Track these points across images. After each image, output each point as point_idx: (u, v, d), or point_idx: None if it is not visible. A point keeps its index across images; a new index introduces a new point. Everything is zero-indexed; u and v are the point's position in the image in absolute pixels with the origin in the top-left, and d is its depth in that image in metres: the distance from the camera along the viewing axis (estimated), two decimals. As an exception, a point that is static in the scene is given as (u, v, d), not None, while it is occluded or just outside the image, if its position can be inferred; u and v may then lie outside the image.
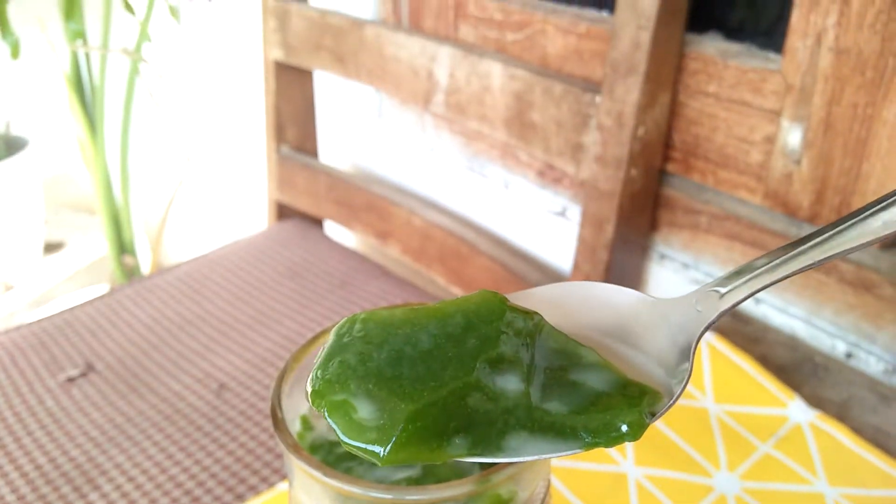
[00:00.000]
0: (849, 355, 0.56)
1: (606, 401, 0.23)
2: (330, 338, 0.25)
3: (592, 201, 0.61)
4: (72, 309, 0.82)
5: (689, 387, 0.48)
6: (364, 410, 0.22)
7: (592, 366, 0.25)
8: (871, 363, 0.55)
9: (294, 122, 0.97)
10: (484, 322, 0.24)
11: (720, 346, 0.50)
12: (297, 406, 0.28)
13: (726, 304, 0.25)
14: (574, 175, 0.62)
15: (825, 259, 0.23)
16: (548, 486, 0.29)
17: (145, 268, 1.50)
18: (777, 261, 0.24)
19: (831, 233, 0.23)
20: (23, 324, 0.80)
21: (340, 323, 0.26)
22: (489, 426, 0.22)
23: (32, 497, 0.59)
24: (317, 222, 1.02)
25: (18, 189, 1.36)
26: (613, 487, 0.41)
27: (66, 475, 0.61)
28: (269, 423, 0.66)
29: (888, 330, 0.53)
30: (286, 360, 0.27)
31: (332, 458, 0.25)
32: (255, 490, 0.60)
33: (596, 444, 0.23)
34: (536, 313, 0.26)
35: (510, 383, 0.23)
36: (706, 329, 0.25)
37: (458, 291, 0.80)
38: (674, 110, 0.60)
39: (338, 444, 0.25)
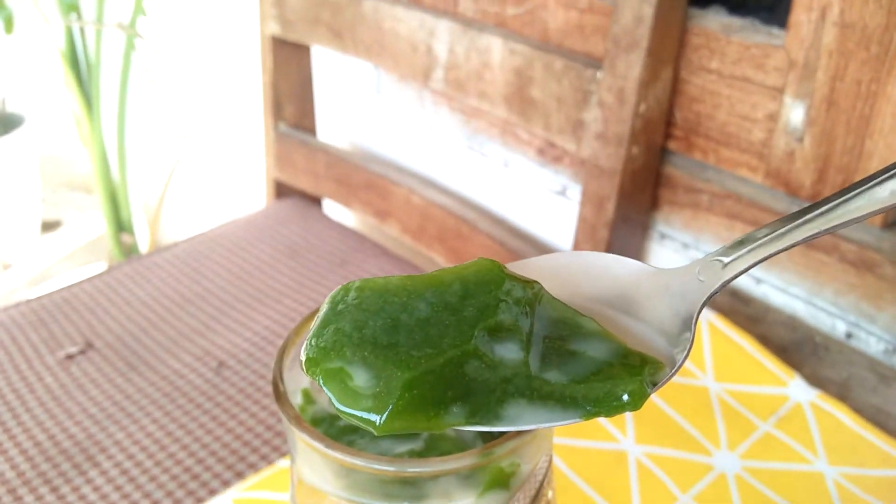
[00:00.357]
0: (849, 335, 0.56)
1: (607, 370, 0.23)
2: (324, 306, 0.25)
3: (593, 179, 0.60)
4: (70, 286, 0.82)
5: (689, 365, 0.48)
6: (360, 378, 0.22)
7: (593, 335, 0.24)
8: (872, 343, 0.55)
9: (292, 99, 0.96)
10: (482, 290, 0.24)
11: (720, 325, 0.50)
12: (298, 380, 0.28)
13: (729, 273, 0.24)
14: (575, 153, 0.62)
15: (830, 229, 0.22)
16: (549, 461, 0.28)
17: (143, 246, 1.50)
18: (780, 230, 0.23)
19: (836, 202, 0.22)
20: (21, 301, 0.80)
21: (335, 291, 0.25)
22: (487, 395, 0.22)
23: (32, 474, 0.59)
24: (315, 201, 1.01)
25: (15, 167, 1.35)
26: (614, 465, 0.41)
27: (65, 452, 0.61)
28: (268, 401, 0.66)
29: (888, 310, 0.53)
30: (287, 334, 0.27)
31: (334, 430, 0.25)
32: (254, 468, 0.60)
33: (596, 414, 0.22)
34: (536, 282, 0.25)
35: (509, 352, 0.23)
36: (709, 298, 0.25)
37: (457, 270, 0.80)
38: (675, 87, 0.59)
39: (340, 417, 0.25)
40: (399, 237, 0.86)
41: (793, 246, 0.23)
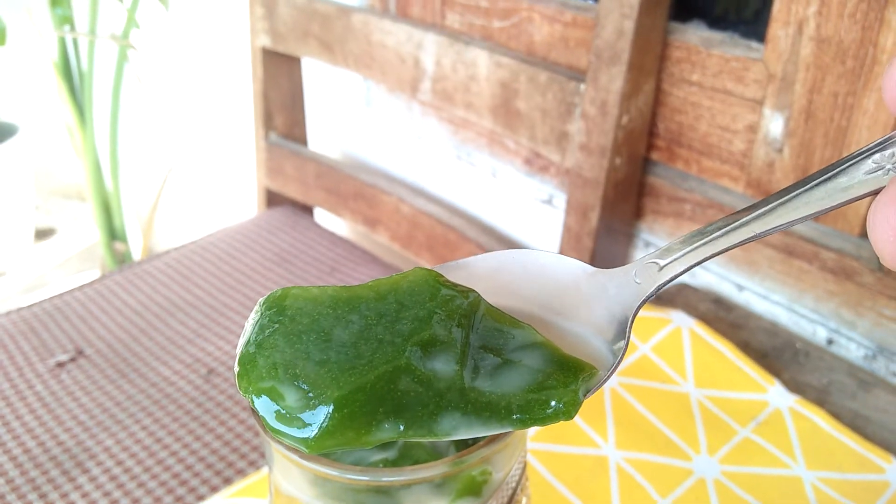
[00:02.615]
0: (830, 341, 0.57)
1: (542, 379, 0.23)
2: (256, 313, 0.24)
3: (577, 189, 0.61)
4: (62, 294, 0.83)
5: (670, 372, 0.48)
6: (291, 398, 0.22)
7: (529, 344, 0.24)
8: (852, 349, 0.56)
9: (282, 110, 0.97)
10: (417, 302, 0.24)
11: (701, 332, 0.50)
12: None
13: (665, 276, 0.24)
14: (560, 163, 0.63)
15: (770, 230, 0.22)
16: (523, 468, 0.29)
17: (136, 254, 1.50)
18: (719, 232, 0.23)
19: (777, 203, 0.21)
20: (13, 309, 0.80)
21: (267, 297, 0.25)
22: (421, 409, 0.22)
23: (21, 480, 0.59)
24: (306, 209, 1.02)
25: (9, 176, 1.36)
26: (594, 471, 0.42)
27: (55, 459, 0.62)
28: (257, 409, 0.67)
29: (868, 317, 0.54)
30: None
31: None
32: (243, 473, 0.61)
33: (530, 423, 0.22)
34: (472, 291, 0.25)
35: (443, 364, 0.23)
36: (644, 302, 0.25)
37: (446, 278, 0.81)
38: (658, 99, 0.60)
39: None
40: (388, 245, 0.87)
41: (731, 248, 0.23)
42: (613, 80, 0.56)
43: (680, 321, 0.51)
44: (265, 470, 0.43)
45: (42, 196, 1.57)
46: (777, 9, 0.51)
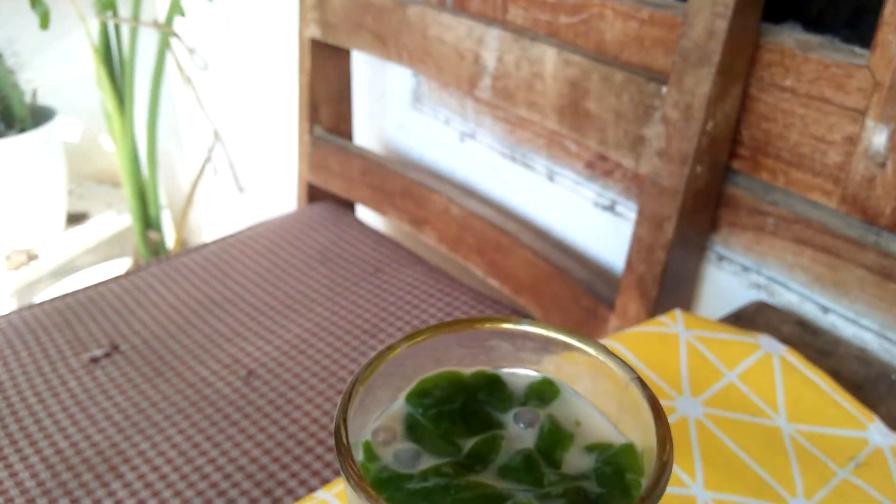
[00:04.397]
0: (922, 373, 0.52)
1: None
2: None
3: (652, 198, 0.57)
4: (96, 286, 0.80)
5: (760, 404, 0.44)
6: None
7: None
8: (946, 383, 0.51)
9: (328, 103, 0.93)
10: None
11: (792, 360, 0.46)
12: (359, 431, 0.25)
13: None
14: (633, 169, 0.59)
15: None
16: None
17: (170, 244, 1.48)
18: None
19: None
20: (46, 300, 0.78)
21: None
22: None
23: (52, 484, 0.56)
24: (348, 205, 0.99)
25: (44, 160, 1.34)
26: (682, 511, 0.38)
27: (87, 461, 0.59)
28: (298, 414, 0.64)
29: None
30: (351, 382, 0.24)
31: (400, 495, 0.22)
32: (284, 486, 0.57)
33: None
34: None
35: None
36: None
37: (495, 284, 0.77)
38: (744, 104, 0.56)
39: (409, 477, 0.22)
40: (435, 246, 0.83)
41: None
42: (700, 84, 0.52)
43: (769, 347, 0.47)
44: (318, 495, 0.40)
45: (76, 180, 1.55)
46: (889, 11, 0.47)
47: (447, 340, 0.26)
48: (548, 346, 0.26)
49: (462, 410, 0.25)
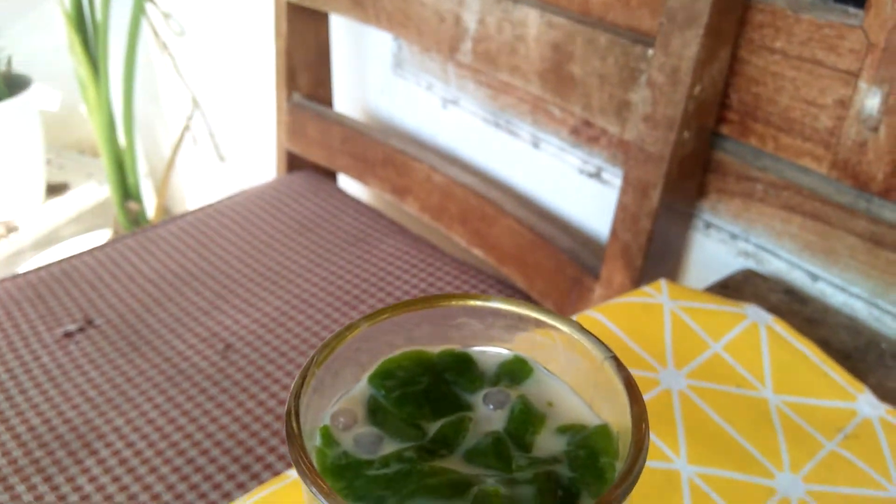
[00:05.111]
0: (912, 342, 0.51)
1: None
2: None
3: (637, 165, 0.55)
4: (70, 258, 0.78)
5: (746, 375, 0.43)
6: None
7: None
8: (936, 352, 0.50)
9: (307, 69, 0.91)
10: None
11: (779, 330, 0.45)
12: (317, 416, 0.23)
13: None
14: (618, 134, 0.57)
15: None
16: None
17: (150, 214, 1.46)
18: None
19: None
20: (19, 273, 0.76)
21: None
22: None
23: (25, 461, 0.55)
24: (329, 174, 0.97)
25: (20, 129, 1.31)
26: (665, 487, 0.37)
27: (60, 438, 0.57)
28: (277, 388, 0.62)
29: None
30: (306, 364, 0.22)
31: (360, 482, 0.21)
32: (262, 461, 0.56)
33: None
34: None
35: None
36: None
37: (479, 253, 0.76)
38: (732, 67, 0.54)
39: (369, 463, 0.21)
40: (418, 215, 0.81)
41: None
42: (687, 46, 0.50)
43: (756, 317, 0.46)
44: (290, 473, 0.38)
45: (55, 150, 1.52)
46: (884, -33, 0.45)
47: (413, 318, 0.24)
48: (519, 323, 0.25)
49: (428, 392, 0.24)
